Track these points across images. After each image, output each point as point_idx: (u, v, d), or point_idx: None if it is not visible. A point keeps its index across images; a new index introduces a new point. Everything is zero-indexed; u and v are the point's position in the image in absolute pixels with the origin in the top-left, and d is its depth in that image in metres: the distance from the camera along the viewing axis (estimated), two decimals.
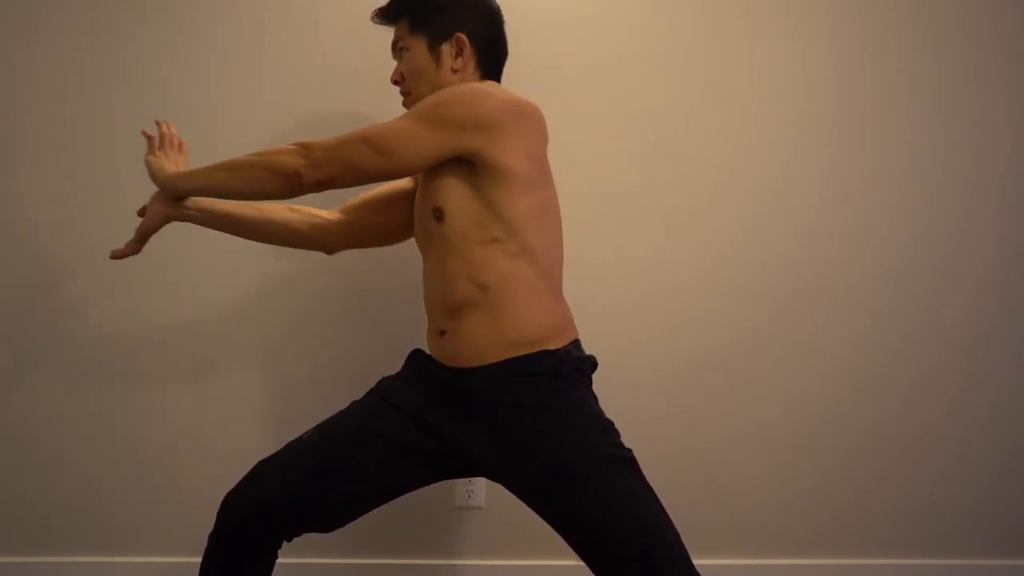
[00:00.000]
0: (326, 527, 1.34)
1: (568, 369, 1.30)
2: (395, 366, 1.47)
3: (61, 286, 1.82)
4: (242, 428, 1.87)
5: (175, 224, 1.84)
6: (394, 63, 1.51)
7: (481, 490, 1.90)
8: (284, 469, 1.31)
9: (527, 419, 1.26)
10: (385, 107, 1.84)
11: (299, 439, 1.37)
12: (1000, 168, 1.96)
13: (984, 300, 1.97)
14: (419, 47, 1.44)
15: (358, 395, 1.45)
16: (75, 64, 1.80)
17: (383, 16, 1.48)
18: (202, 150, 1.85)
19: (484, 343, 1.28)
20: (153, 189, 1.48)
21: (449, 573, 1.91)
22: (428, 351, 1.40)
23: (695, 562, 1.26)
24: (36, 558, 1.85)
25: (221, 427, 1.87)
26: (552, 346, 1.29)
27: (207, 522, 1.88)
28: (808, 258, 1.94)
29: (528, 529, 1.95)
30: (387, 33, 1.84)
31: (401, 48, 1.46)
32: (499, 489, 1.95)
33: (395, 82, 1.47)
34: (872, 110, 1.93)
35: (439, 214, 1.33)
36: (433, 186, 1.35)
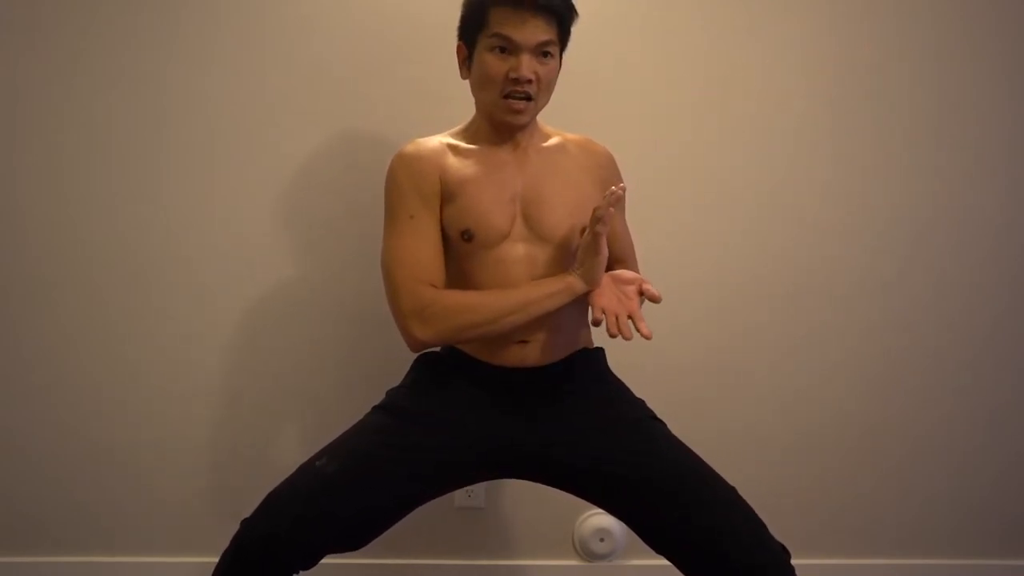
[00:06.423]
0: (346, 550, 1.30)
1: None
2: (397, 367, 1.48)
3: (59, 286, 1.82)
4: (240, 429, 1.87)
5: (175, 223, 1.85)
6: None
7: (481, 490, 1.91)
8: (300, 504, 1.25)
9: (599, 388, 1.47)
10: (386, 106, 1.85)
11: (315, 468, 1.29)
12: (1000, 168, 1.96)
13: (984, 300, 1.97)
14: (557, 58, 1.37)
15: (359, 397, 1.44)
16: (75, 64, 1.80)
17: (550, 9, 1.32)
18: (202, 150, 1.86)
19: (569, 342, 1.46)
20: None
21: (449, 573, 1.91)
22: (490, 358, 1.40)
23: None
24: (32, 558, 1.86)
25: (218, 428, 1.87)
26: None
27: (202, 523, 1.90)
28: (808, 258, 1.94)
29: (528, 529, 1.96)
30: (388, 35, 1.86)
31: (547, 52, 1.34)
32: (499, 489, 1.97)
33: (527, 81, 1.31)
34: (872, 108, 1.93)
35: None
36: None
